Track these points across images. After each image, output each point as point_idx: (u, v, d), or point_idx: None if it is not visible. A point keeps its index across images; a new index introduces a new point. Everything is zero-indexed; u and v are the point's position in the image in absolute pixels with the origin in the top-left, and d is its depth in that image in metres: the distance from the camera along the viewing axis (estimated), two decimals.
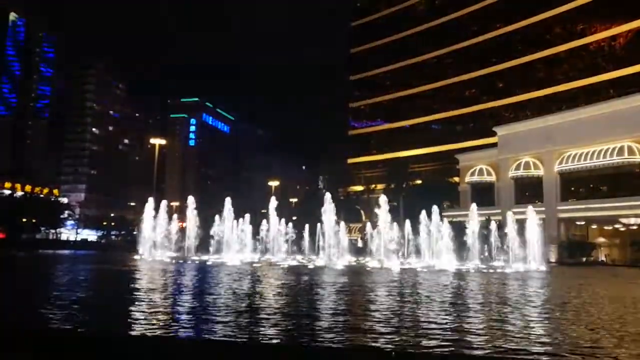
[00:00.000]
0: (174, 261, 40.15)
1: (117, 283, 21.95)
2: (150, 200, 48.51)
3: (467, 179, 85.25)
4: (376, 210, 42.76)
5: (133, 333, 9.26)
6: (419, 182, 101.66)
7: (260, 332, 9.68)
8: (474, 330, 10.48)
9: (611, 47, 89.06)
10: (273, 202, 50.34)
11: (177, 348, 7.55)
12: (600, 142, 65.12)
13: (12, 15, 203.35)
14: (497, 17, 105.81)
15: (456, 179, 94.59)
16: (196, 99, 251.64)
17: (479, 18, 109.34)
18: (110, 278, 25.60)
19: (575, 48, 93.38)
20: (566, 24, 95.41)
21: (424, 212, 48.64)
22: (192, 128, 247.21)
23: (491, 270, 37.65)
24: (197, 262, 40.03)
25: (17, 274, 27.81)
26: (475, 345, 8.85)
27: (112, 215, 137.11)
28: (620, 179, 66.04)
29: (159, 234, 46.52)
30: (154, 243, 46.27)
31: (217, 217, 47.99)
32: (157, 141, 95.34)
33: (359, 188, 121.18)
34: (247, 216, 50.53)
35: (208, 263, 38.76)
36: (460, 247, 48.48)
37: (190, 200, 50.53)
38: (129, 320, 10.65)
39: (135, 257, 44.15)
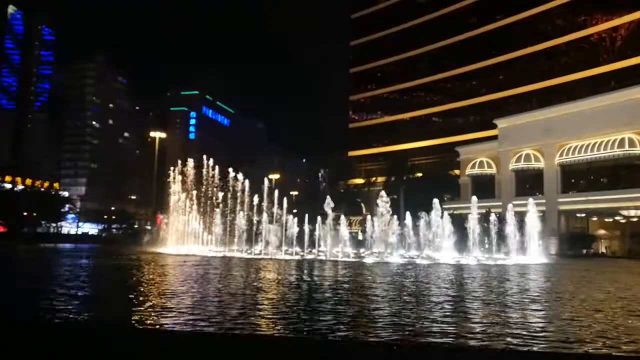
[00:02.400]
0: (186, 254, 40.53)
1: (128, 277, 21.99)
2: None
3: (468, 171, 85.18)
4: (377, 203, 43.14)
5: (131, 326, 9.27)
6: (419, 175, 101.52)
7: (265, 326, 9.70)
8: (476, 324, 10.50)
9: (612, 39, 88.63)
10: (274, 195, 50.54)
11: (173, 340, 7.56)
12: (601, 134, 64.95)
13: (11, 8, 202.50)
14: (497, 9, 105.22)
15: (457, 171, 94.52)
16: (196, 91, 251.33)
17: (479, 10, 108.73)
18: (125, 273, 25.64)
19: (576, 40, 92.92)
20: (567, 16, 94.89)
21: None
22: (192, 121, 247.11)
23: (492, 263, 37.70)
24: (204, 255, 40.37)
25: (16, 269, 27.87)
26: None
27: (112, 208, 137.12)
28: (620, 171, 65.98)
29: (165, 229, 47.03)
30: (159, 236, 46.76)
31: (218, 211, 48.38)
32: (157, 134, 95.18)
33: (360, 181, 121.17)
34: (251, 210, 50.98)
35: (215, 256, 39.05)
36: (461, 239, 48.66)
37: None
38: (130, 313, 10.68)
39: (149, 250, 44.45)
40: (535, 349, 8.13)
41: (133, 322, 9.59)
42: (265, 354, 6.25)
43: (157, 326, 9.33)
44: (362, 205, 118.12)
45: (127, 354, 5.83)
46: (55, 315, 10.16)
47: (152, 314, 10.59)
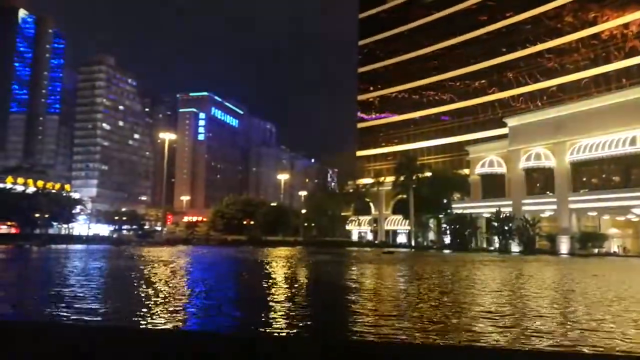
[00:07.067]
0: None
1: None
2: None
3: (477, 170, 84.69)
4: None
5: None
6: (428, 174, 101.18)
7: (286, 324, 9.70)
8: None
9: (623, 36, 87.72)
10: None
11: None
12: (612, 132, 64.20)
13: (22, 12, 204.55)
14: (507, 7, 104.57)
15: (466, 170, 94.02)
16: (205, 92, 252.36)
17: (489, 7, 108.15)
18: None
19: (587, 37, 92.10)
20: (577, 13, 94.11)
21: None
22: (202, 122, 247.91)
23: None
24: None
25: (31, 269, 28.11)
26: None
27: (123, 209, 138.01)
28: (632, 168, 65.19)
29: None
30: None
31: None
32: (167, 136, 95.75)
33: (369, 180, 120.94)
34: None
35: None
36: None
37: None
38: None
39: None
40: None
41: None
42: (266, 355, 6.20)
43: None
44: (371, 204, 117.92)
45: None
46: None
47: None
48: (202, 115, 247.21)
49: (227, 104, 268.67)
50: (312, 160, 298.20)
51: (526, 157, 75.32)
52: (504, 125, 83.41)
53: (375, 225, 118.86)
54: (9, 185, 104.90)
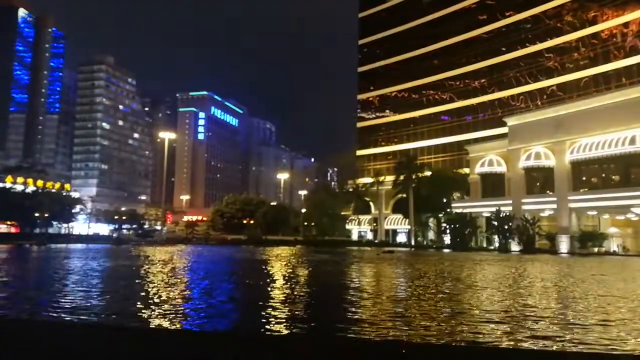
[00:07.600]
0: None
1: None
2: None
3: (477, 169, 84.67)
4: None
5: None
6: (428, 173, 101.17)
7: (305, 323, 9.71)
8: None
9: (623, 35, 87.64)
10: None
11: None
12: (612, 131, 64.16)
13: (22, 12, 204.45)
14: (506, 6, 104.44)
15: (466, 170, 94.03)
16: (205, 92, 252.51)
17: (488, 7, 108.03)
18: None
19: (587, 36, 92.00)
20: (577, 12, 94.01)
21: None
22: (201, 122, 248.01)
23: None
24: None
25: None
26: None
27: (123, 209, 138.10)
28: (632, 168, 65.18)
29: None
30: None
31: None
32: (167, 135, 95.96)
33: (368, 180, 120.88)
34: None
35: None
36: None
37: None
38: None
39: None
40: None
41: None
42: (274, 354, 6.21)
43: None
44: (371, 204, 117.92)
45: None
46: None
47: None
48: (201, 114, 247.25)
49: (227, 103, 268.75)
50: (312, 160, 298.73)
51: (526, 156, 75.31)
52: (504, 124, 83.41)
53: (375, 224, 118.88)
54: (9, 185, 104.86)
